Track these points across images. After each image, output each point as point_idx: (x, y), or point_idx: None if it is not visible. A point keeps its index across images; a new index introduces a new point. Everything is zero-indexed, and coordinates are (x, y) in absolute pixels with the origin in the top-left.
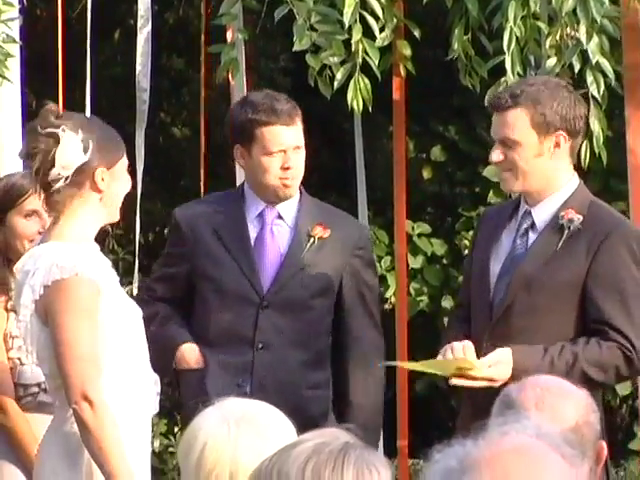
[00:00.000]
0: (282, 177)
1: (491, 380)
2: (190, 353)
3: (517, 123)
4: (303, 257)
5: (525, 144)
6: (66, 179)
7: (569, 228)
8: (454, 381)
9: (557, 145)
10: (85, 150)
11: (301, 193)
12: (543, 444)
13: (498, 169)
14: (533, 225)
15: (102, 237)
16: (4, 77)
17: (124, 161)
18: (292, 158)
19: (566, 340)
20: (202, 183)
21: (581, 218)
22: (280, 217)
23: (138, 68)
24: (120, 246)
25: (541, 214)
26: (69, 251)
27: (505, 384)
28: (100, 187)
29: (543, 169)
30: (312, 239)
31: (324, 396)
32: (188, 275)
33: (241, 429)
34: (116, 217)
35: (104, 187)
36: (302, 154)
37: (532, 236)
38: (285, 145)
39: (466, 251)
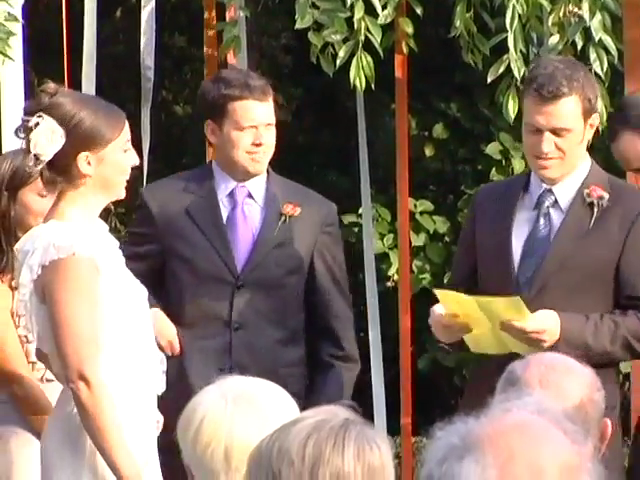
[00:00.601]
0: (252, 152)
1: (541, 333)
2: (166, 329)
3: (572, 112)
4: (275, 235)
5: (576, 131)
6: (46, 163)
7: (600, 205)
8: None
9: (592, 127)
10: (63, 136)
11: (268, 172)
12: (545, 421)
13: (538, 159)
14: (555, 203)
15: (104, 216)
16: (6, 55)
17: (119, 141)
18: (263, 135)
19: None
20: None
21: (608, 195)
22: (250, 196)
23: (142, 46)
24: (123, 224)
25: (564, 192)
26: (66, 231)
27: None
28: (85, 171)
29: (581, 153)
30: (283, 217)
31: (299, 374)
32: (159, 254)
33: (238, 406)
34: (120, 195)
35: (90, 171)
36: (273, 132)
37: (556, 214)
38: (257, 121)
39: None
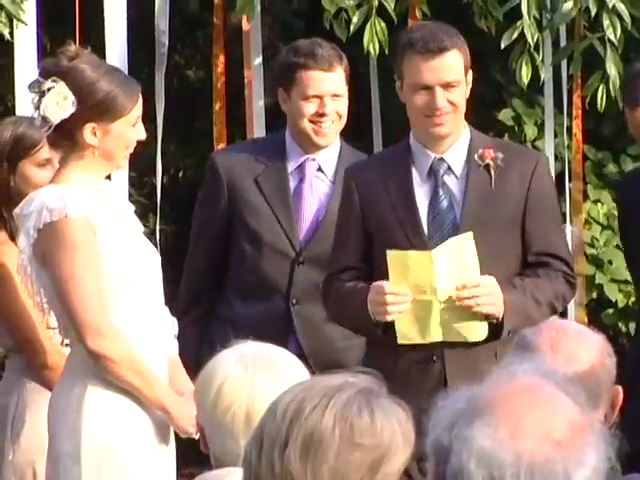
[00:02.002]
0: (316, 122)
1: (487, 295)
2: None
3: (457, 64)
4: None
5: (462, 84)
6: (50, 128)
7: (496, 166)
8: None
9: (467, 85)
10: (74, 104)
11: (341, 145)
12: (548, 383)
13: (431, 117)
14: (448, 170)
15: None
16: (19, 19)
17: (129, 117)
18: (328, 105)
19: (509, 276)
20: (223, 127)
21: (502, 155)
22: (320, 170)
23: (156, 10)
24: (134, 188)
25: (455, 159)
26: (59, 193)
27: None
28: (89, 142)
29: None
30: None
31: (358, 344)
32: (226, 220)
33: (258, 370)
34: (121, 166)
35: (95, 142)
36: (342, 103)
37: (452, 182)
38: (321, 90)
39: None
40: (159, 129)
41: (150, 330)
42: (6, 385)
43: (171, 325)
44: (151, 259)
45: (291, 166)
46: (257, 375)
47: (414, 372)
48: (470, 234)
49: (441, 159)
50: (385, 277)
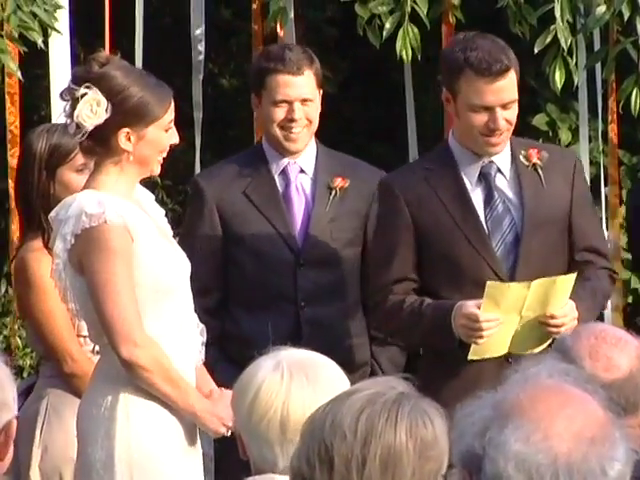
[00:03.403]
0: (286, 127)
1: (565, 325)
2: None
3: (514, 82)
4: (328, 210)
5: (517, 100)
6: (84, 135)
7: (543, 166)
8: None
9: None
10: (108, 110)
11: (317, 146)
12: (568, 382)
13: (488, 136)
14: (498, 173)
15: (151, 188)
16: (53, 28)
17: (163, 121)
18: (297, 110)
19: (567, 272)
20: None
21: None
22: (303, 171)
23: (192, 19)
24: (169, 197)
25: (503, 161)
26: (98, 199)
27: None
28: (124, 147)
29: None
30: (334, 191)
31: (365, 343)
32: (217, 240)
33: (294, 377)
34: (155, 171)
35: (129, 147)
36: (313, 107)
37: (502, 184)
38: (289, 96)
39: None
40: (197, 138)
41: (181, 338)
42: (37, 391)
43: (199, 333)
44: (183, 267)
45: (275, 171)
46: (293, 383)
47: (487, 373)
48: (573, 276)
49: (491, 162)
50: (443, 288)
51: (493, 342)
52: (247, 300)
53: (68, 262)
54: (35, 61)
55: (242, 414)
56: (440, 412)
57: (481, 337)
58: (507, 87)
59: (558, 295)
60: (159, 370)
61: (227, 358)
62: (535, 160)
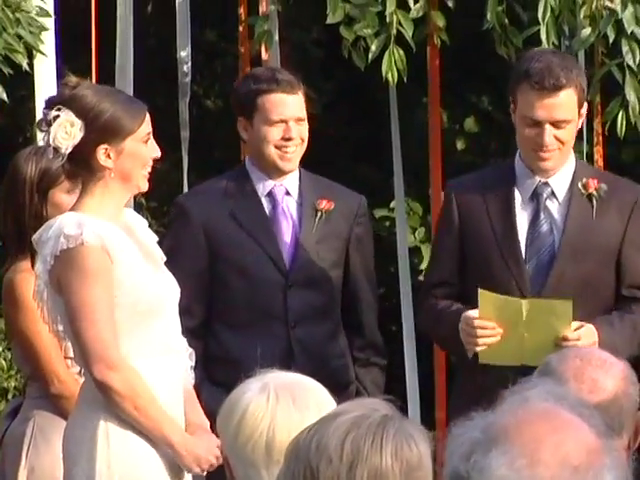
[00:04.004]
0: (281, 147)
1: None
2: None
3: (570, 103)
4: (315, 232)
5: (573, 122)
6: (64, 157)
7: (599, 197)
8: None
9: (581, 116)
10: (82, 129)
11: (299, 169)
12: (562, 407)
13: (537, 151)
14: (552, 195)
15: (137, 210)
16: (39, 50)
17: (139, 133)
18: (293, 129)
19: (609, 306)
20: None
21: (606, 187)
22: (288, 194)
23: (178, 40)
24: (155, 219)
25: (559, 184)
26: (77, 220)
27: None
28: (105, 164)
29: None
30: (320, 213)
31: (348, 363)
32: (202, 260)
33: (280, 400)
34: (142, 187)
35: (110, 164)
36: (304, 127)
37: (554, 207)
38: (285, 115)
39: None
40: (185, 159)
41: (165, 363)
42: (24, 413)
43: (188, 357)
44: (169, 291)
45: (261, 193)
46: (279, 406)
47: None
48: (570, 302)
49: (546, 183)
50: (474, 298)
51: (502, 349)
52: (234, 321)
53: (49, 283)
54: (20, 83)
55: (228, 436)
56: (424, 434)
57: (476, 343)
58: (560, 105)
59: (561, 319)
60: (132, 396)
61: (212, 380)
62: (592, 190)
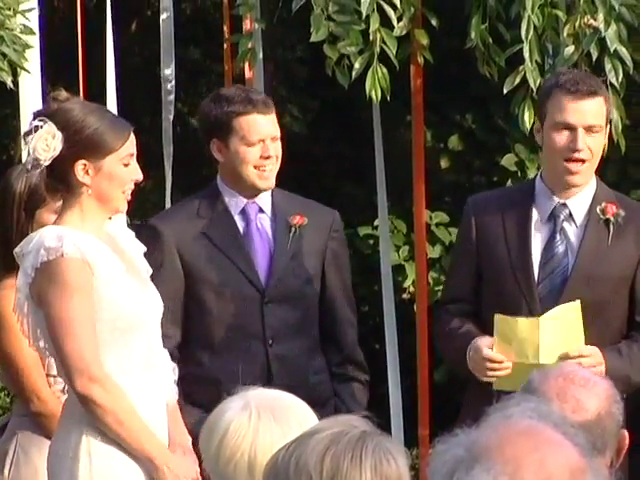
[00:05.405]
0: (260, 166)
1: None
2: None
3: (602, 110)
4: (289, 248)
5: (602, 132)
6: (42, 169)
7: (616, 222)
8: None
9: (606, 133)
10: (62, 142)
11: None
12: (547, 425)
13: (569, 162)
14: (569, 218)
15: None
16: (23, 68)
17: (120, 153)
18: (270, 148)
19: (620, 332)
20: None
21: (624, 213)
22: (262, 211)
23: (162, 57)
24: (138, 237)
25: (578, 207)
26: (58, 233)
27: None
28: (82, 181)
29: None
30: (294, 228)
31: (327, 379)
32: (176, 281)
33: (262, 418)
34: (120, 209)
35: (87, 181)
36: (279, 145)
37: (571, 230)
38: (263, 134)
39: None
40: (168, 176)
41: (147, 377)
42: (9, 430)
43: (171, 371)
44: (151, 305)
45: (234, 211)
46: (261, 424)
47: None
48: (578, 303)
49: (564, 204)
50: (486, 315)
51: (516, 376)
52: (211, 341)
53: (30, 296)
54: (5, 100)
55: (210, 455)
56: (402, 450)
57: (485, 375)
58: (592, 110)
59: (573, 325)
60: (114, 409)
61: (190, 400)
62: (610, 216)
